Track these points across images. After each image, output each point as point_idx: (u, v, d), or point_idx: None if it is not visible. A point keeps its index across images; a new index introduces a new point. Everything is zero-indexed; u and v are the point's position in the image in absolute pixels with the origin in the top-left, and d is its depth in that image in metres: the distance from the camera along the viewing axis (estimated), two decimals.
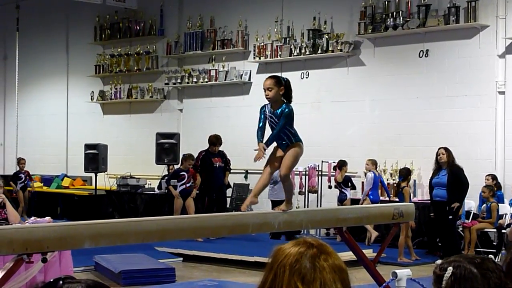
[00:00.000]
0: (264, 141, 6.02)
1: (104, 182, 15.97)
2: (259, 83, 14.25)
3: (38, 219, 8.30)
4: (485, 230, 11.66)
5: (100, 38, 18.03)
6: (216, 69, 15.86)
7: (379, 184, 12.45)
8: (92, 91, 18.09)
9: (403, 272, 4.96)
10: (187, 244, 11.11)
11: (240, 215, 6.17)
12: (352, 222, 7.10)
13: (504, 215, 11.60)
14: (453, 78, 12.75)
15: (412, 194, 12.08)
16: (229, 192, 14.46)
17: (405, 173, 11.60)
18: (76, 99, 18.61)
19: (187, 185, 12.92)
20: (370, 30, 13.59)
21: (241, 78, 15.42)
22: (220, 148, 13.48)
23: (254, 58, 15.23)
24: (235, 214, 6.97)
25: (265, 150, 5.98)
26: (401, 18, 13.20)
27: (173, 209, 12.94)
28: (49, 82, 19.32)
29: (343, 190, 12.80)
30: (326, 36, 14.18)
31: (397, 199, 11.73)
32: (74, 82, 18.78)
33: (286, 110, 6.03)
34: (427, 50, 13.03)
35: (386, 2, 13.53)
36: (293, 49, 14.57)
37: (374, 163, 12.53)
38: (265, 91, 6.09)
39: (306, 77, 14.52)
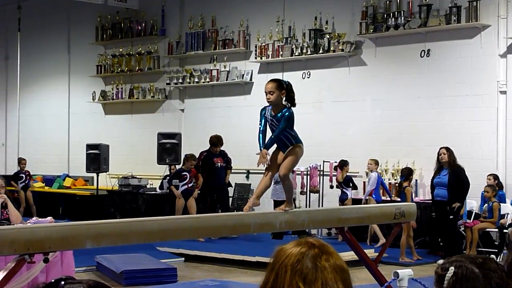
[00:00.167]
0: (263, 145, 6.05)
1: (106, 182, 15.97)
2: (260, 83, 14.27)
3: (40, 219, 8.31)
4: (487, 230, 11.66)
5: (101, 38, 18.04)
6: (217, 69, 15.87)
7: (380, 184, 12.47)
8: (94, 91, 18.10)
9: (405, 272, 4.96)
10: (189, 244, 11.11)
11: (242, 215, 6.18)
12: (354, 222, 7.10)
13: (506, 215, 11.59)
14: (454, 78, 12.74)
15: (413, 194, 12.07)
16: (230, 191, 14.45)
17: (407, 173, 11.60)
18: (78, 99, 18.62)
19: (189, 185, 12.93)
20: (371, 30, 13.58)
21: (242, 78, 15.42)
22: (221, 148, 13.48)
23: (256, 58, 15.23)
24: (236, 214, 6.98)
25: (267, 155, 6.01)
26: (403, 18, 13.19)
27: (174, 209, 12.94)
28: (51, 82, 19.34)
29: (344, 190, 12.80)
30: (328, 36, 14.18)
31: (399, 199, 11.74)
32: (76, 82, 18.79)
33: (287, 113, 6.04)
34: (429, 50, 13.03)
35: (388, 2, 13.53)
36: (294, 49, 14.57)
37: (376, 163, 12.55)
38: (266, 95, 6.10)
39: (308, 77, 14.52)
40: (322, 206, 13.62)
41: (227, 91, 15.75)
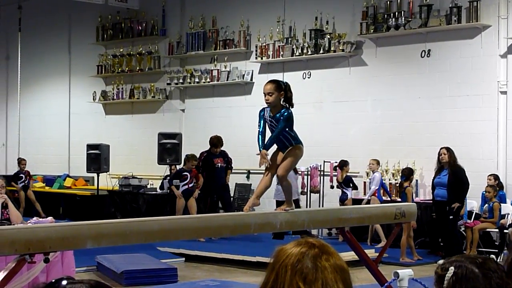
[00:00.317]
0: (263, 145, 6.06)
1: (106, 182, 15.97)
2: (261, 83, 14.23)
3: (40, 219, 8.32)
4: (487, 230, 11.66)
5: (102, 38, 18.04)
6: (218, 69, 15.87)
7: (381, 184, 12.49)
8: (94, 91, 18.11)
9: (405, 272, 4.96)
10: (189, 244, 11.11)
11: (242, 215, 6.18)
12: (354, 222, 7.10)
13: (506, 215, 11.59)
14: (455, 78, 12.74)
15: (414, 194, 12.07)
16: (230, 192, 14.45)
17: (407, 173, 11.61)
18: (78, 99, 18.63)
19: (190, 185, 12.94)
20: (372, 30, 13.59)
21: (243, 78, 15.43)
22: (222, 148, 13.49)
23: (256, 58, 15.23)
24: (237, 214, 6.98)
25: (267, 155, 6.01)
26: (403, 18, 13.19)
27: (175, 209, 12.95)
28: (51, 82, 19.34)
29: (344, 190, 12.81)
30: (328, 36, 14.18)
31: (399, 199, 11.74)
32: (76, 82, 18.80)
33: (286, 114, 6.04)
34: (429, 50, 13.03)
35: (388, 2, 13.53)
36: (295, 49, 14.57)
37: (378, 163, 12.57)
38: (265, 96, 6.10)
39: (308, 77, 14.52)
40: (322, 206, 13.62)
41: (228, 91, 15.75)
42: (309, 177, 13.83)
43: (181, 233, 5.75)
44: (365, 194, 13.44)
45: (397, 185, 12.74)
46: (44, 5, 19.27)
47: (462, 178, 11.17)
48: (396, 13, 13.33)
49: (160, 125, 16.39)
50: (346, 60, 14.07)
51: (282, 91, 6.09)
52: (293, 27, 14.75)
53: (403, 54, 13.38)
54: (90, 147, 15.63)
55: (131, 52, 17.50)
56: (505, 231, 11.32)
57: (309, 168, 13.71)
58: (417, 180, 12.86)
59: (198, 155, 13.30)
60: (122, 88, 17.65)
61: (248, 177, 15.04)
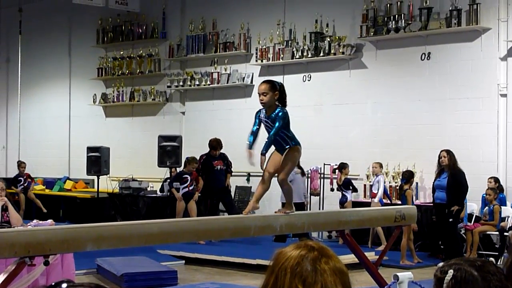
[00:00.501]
0: (262, 149, 6.07)
1: (107, 184, 15.98)
2: None
3: (40, 222, 8.32)
4: (488, 232, 11.66)
5: (102, 41, 18.06)
6: (218, 72, 15.88)
7: None
8: (95, 94, 18.12)
9: (405, 275, 4.97)
10: (189, 246, 11.11)
11: (242, 218, 6.19)
12: (354, 225, 7.11)
13: (507, 218, 11.60)
14: (455, 81, 12.75)
15: (414, 197, 12.07)
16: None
17: (408, 176, 11.61)
18: (79, 101, 18.63)
19: (190, 188, 12.95)
20: (372, 33, 13.59)
21: (243, 81, 15.43)
22: (222, 151, 13.50)
23: (256, 61, 15.24)
24: (237, 216, 6.99)
25: (264, 157, 6.02)
26: (403, 21, 13.20)
27: (175, 211, 12.95)
28: (52, 85, 19.35)
29: (344, 192, 12.81)
30: (328, 39, 14.19)
31: (399, 202, 11.74)
32: (77, 85, 18.80)
33: (280, 113, 6.06)
34: (429, 53, 13.04)
35: (388, 5, 13.55)
36: (295, 52, 14.58)
37: (381, 166, 12.56)
38: (259, 96, 6.12)
39: (308, 80, 14.53)
40: (322, 209, 13.62)
41: (228, 94, 15.76)
42: (309, 179, 13.83)
43: (181, 235, 5.76)
44: (365, 197, 13.45)
45: (397, 188, 12.74)
46: (45, 8, 19.29)
47: (461, 181, 11.17)
48: (396, 16, 13.34)
49: (160, 127, 16.40)
50: (346, 62, 14.08)
51: (276, 91, 6.11)
52: (293, 30, 14.76)
53: (403, 57, 13.39)
54: (90, 149, 15.63)
55: (132, 55, 17.51)
56: (505, 233, 11.32)
57: (309, 171, 13.71)
58: (417, 183, 12.87)
59: (198, 158, 13.31)
60: (123, 91, 17.66)
61: (248, 180, 15.03)
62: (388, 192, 12.87)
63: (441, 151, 11.43)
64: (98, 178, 15.57)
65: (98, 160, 15.39)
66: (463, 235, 11.64)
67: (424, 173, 12.89)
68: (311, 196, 13.92)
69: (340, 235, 8.43)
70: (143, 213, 14.80)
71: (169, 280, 9.33)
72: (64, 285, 2.01)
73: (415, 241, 11.63)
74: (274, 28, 14.93)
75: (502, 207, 11.57)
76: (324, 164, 13.81)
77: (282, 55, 14.76)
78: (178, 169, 14.13)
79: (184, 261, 11.02)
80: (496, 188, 11.65)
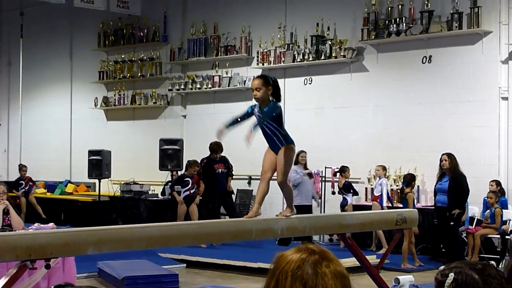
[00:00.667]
0: (251, 127, 6.08)
1: (108, 188, 15.99)
2: None
3: (42, 225, 8.32)
4: (489, 236, 11.65)
5: (104, 45, 18.08)
6: (219, 75, 15.89)
7: None
8: (96, 97, 18.13)
9: (406, 278, 4.98)
10: (191, 250, 11.11)
11: (243, 221, 6.19)
12: (355, 228, 7.10)
13: (508, 221, 11.59)
14: (456, 84, 12.75)
15: (415, 200, 12.07)
16: (232, 198, 14.45)
17: (409, 179, 11.60)
18: (80, 105, 18.65)
19: (191, 191, 12.95)
20: (373, 36, 13.60)
21: (244, 84, 15.43)
22: (223, 154, 13.51)
23: (258, 64, 15.25)
24: (238, 220, 6.99)
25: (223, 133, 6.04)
26: (404, 24, 13.21)
27: (176, 215, 12.95)
28: (53, 88, 19.37)
29: (344, 195, 12.82)
30: (329, 42, 14.20)
31: (401, 205, 11.73)
32: (78, 88, 18.82)
33: (272, 104, 6.06)
34: (430, 56, 13.04)
35: (389, 8, 13.55)
36: (296, 55, 14.58)
37: (384, 169, 12.56)
38: (253, 91, 6.13)
39: (309, 83, 14.53)
40: (324, 212, 13.62)
41: (229, 97, 15.76)
42: None
43: (182, 239, 5.76)
44: (366, 200, 13.45)
45: (399, 191, 12.73)
46: (46, 12, 19.29)
47: (463, 184, 11.16)
48: (397, 19, 13.34)
49: (162, 131, 16.41)
50: (347, 66, 14.08)
51: (270, 85, 6.11)
52: (294, 33, 14.77)
53: (404, 60, 13.39)
54: (91, 153, 15.64)
55: (133, 58, 17.52)
56: (506, 237, 11.30)
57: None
58: (418, 186, 12.86)
59: (199, 161, 13.32)
60: (124, 94, 17.67)
61: (249, 183, 15.03)
62: (390, 196, 12.85)
63: (442, 154, 11.43)
64: (99, 182, 15.57)
65: (99, 164, 15.39)
66: (465, 238, 11.64)
67: (425, 177, 12.89)
68: (313, 199, 13.91)
69: (341, 239, 8.44)
70: (144, 216, 14.80)
71: (171, 283, 9.33)
72: None
73: (417, 244, 11.63)
74: (275, 31, 14.94)
75: (503, 210, 11.56)
76: (325, 167, 13.81)
77: (283, 59, 14.77)
78: (180, 173, 14.13)
79: (185, 265, 11.02)
80: (498, 191, 11.64)
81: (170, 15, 16.97)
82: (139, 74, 17.39)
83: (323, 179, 13.86)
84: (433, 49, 13.01)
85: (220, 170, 13.36)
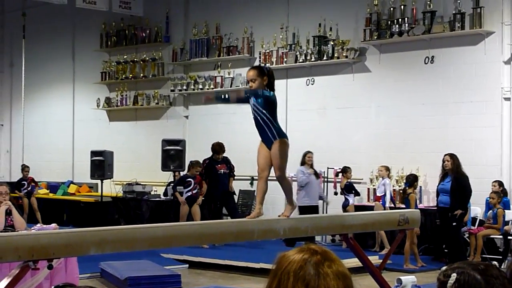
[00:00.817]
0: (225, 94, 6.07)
1: (110, 188, 15.99)
2: None
3: (44, 226, 8.33)
4: (491, 236, 11.64)
5: (106, 45, 18.09)
6: (221, 76, 15.89)
7: None
8: (98, 98, 18.14)
9: (408, 279, 4.97)
10: (193, 250, 11.12)
11: (245, 222, 6.18)
12: (358, 228, 7.10)
13: (510, 221, 11.58)
14: (458, 84, 12.74)
15: (418, 201, 12.07)
16: (234, 198, 14.45)
17: (411, 180, 11.60)
18: (82, 106, 18.67)
19: (193, 191, 12.96)
20: (375, 37, 13.59)
21: (246, 85, 15.41)
22: (225, 155, 13.52)
23: (260, 64, 15.24)
24: (240, 220, 6.98)
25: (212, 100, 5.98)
26: (407, 24, 13.20)
27: (179, 215, 12.96)
28: (55, 89, 19.39)
29: (346, 196, 12.82)
30: (332, 43, 14.19)
31: (403, 206, 11.73)
32: (80, 89, 18.84)
33: (265, 91, 6.05)
34: (433, 57, 13.03)
35: (392, 8, 13.55)
36: (298, 56, 14.58)
37: (387, 169, 12.55)
38: (248, 83, 6.13)
39: (312, 84, 14.53)
40: (326, 212, 13.61)
41: None
42: None
43: (184, 239, 5.76)
44: (368, 200, 13.45)
45: (401, 191, 12.72)
46: (48, 12, 19.30)
47: (465, 184, 11.15)
48: (400, 19, 13.34)
49: (164, 131, 16.41)
50: (350, 66, 14.08)
51: (265, 76, 6.10)
52: (296, 34, 14.77)
53: (406, 61, 13.39)
54: (94, 153, 15.65)
55: (135, 59, 17.53)
56: (509, 237, 11.31)
57: None
58: (421, 187, 12.85)
59: (201, 162, 13.33)
60: (126, 95, 17.68)
61: (251, 184, 15.03)
62: (392, 196, 12.85)
63: (445, 155, 11.42)
64: (101, 182, 15.58)
65: (101, 164, 15.41)
66: (467, 238, 11.63)
67: (427, 177, 12.88)
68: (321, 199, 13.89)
69: (343, 239, 8.43)
70: (146, 217, 14.81)
71: (173, 284, 9.34)
72: None
73: (419, 245, 11.62)
74: (278, 32, 14.94)
75: (506, 210, 11.56)
76: (328, 168, 13.81)
77: (285, 59, 14.77)
78: (182, 173, 14.13)
79: (187, 265, 11.03)
80: (500, 192, 11.64)
81: (172, 16, 16.98)
82: (141, 74, 17.40)
83: (325, 179, 13.86)
84: (436, 49, 13.00)
85: (222, 170, 13.37)
